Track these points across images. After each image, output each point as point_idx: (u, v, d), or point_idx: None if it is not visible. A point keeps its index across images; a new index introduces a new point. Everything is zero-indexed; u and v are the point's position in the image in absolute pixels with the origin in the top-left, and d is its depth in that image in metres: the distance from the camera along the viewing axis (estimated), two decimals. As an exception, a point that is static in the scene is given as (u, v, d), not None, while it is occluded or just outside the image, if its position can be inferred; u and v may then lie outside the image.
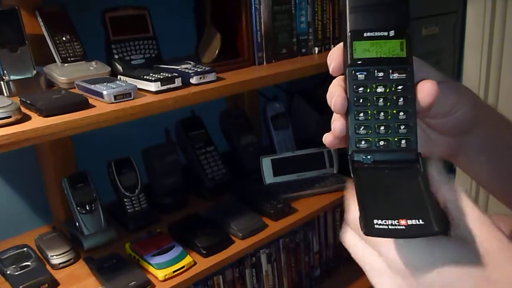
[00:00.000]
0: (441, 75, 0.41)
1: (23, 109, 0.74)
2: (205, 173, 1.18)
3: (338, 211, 1.37)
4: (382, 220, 0.32)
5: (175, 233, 1.03)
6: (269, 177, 1.24)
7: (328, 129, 0.39)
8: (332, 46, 1.24)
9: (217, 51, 1.03)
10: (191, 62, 0.96)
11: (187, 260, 0.93)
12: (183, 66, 0.93)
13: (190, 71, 0.90)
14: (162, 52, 1.02)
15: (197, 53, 1.06)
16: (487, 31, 1.63)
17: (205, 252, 0.96)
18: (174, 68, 0.92)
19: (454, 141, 0.43)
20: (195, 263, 0.94)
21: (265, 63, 1.10)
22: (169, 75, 0.86)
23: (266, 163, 1.24)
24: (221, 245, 0.99)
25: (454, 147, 0.43)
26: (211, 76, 0.91)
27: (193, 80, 0.89)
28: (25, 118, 0.72)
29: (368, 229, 0.31)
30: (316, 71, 1.10)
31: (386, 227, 0.32)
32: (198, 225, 1.04)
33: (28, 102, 0.75)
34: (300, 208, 1.14)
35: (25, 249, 0.96)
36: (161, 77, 0.85)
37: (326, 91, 0.40)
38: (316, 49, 1.21)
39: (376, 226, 0.32)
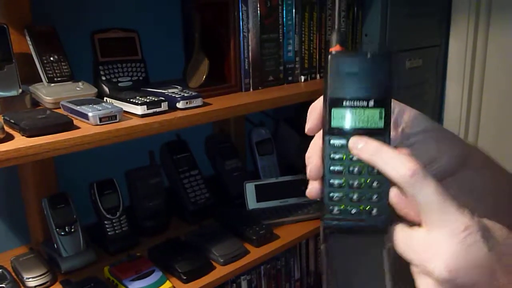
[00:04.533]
0: (429, 123, 0.42)
1: (7, 128, 0.73)
2: (188, 197, 1.17)
3: (319, 239, 1.36)
4: None
5: (155, 257, 1.02)
6: (252, 202, 1.24)
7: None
8: (318, 75, 1.26)
9: (204, 76, 1.04)
10: (178, 87, 0.97)
11: (167, 285, 0.92)
12: (170, 90, 0.94)
13: (176, 96, 0.90)
14: (149, 74, 1.03)
15: (185, 77, 1.07)
16: (468, 64, 1.68)
17: (185, 277, 0.95)
18: (161, 92, 0.92)
19: None
20: (174, 289, 0.93)
21: (251, 89, 1.11)
22: (156, 99, 0.86)
23: (250, 189, 1.24)
24: (201, 271, 0.98)
25: None
26: (198, 101, 0.92)
27: (180, 105, 0.89)
28: (8, 137, 0.71)
29: None
30: (302, 99, 1.11)
31: None
32: (179, 249, 1.02)
33: (12, 121, 0.75)
34: (282, 235, 1.14)
35: (0, 270, 0.94)
36: (148, 100, 0.85)
37: None
38: (303, 78, 1.23)
39: None
